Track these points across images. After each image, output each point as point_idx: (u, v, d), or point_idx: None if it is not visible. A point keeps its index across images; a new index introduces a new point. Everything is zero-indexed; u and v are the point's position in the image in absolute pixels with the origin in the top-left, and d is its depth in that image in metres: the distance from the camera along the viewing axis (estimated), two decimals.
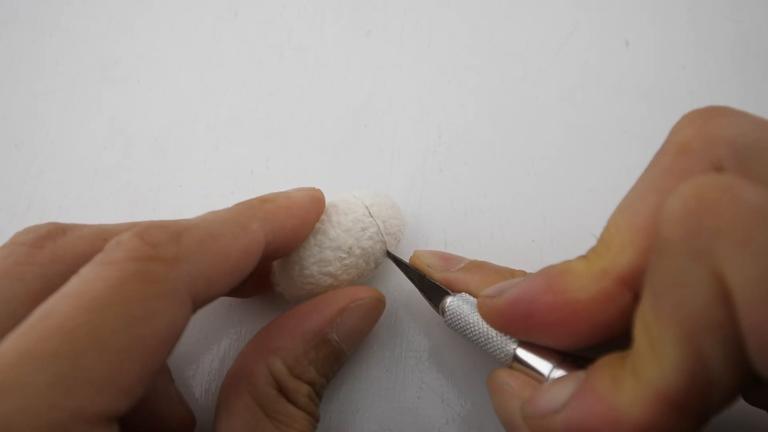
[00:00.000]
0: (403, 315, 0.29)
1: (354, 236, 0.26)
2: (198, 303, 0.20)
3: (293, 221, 0.24)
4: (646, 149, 0.21)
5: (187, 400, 0.26)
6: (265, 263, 0.24)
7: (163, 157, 0.34)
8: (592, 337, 0.20)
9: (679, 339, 0.15)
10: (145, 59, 0.38)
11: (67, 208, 0.33)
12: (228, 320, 0.29)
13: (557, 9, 0.37)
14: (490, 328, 0.23)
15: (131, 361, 0.17)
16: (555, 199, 0.32)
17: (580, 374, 0.19)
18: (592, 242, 0.21)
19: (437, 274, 0.26)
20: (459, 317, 0.24)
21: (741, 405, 0.21)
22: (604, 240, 0.20)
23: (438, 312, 0.26)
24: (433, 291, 0.26)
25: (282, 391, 0.24)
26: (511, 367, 0.23)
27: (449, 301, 0.25)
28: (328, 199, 0.27)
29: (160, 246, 0.19)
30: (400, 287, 0.30)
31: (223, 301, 0.30)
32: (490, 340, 0.23)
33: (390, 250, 0.28)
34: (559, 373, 0.21)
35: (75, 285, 0.17)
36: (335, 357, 0.26)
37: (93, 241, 0.22)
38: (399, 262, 0.27)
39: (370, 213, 0.27)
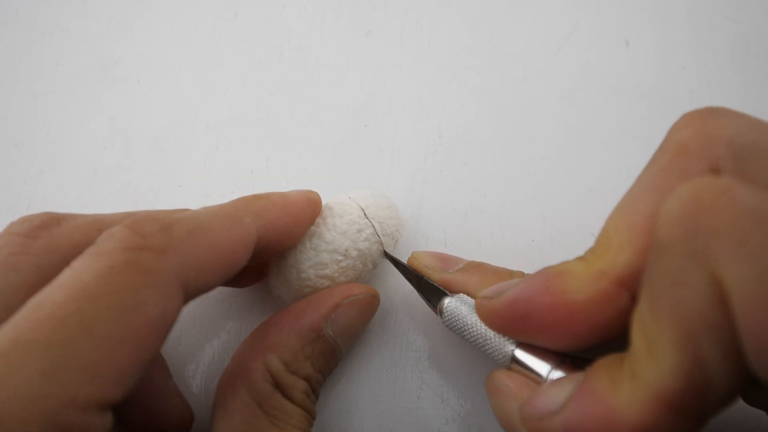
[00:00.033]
0: (402, 315, 0.29)
1: (350, 238, 0.26)
2: (190, 293, 0.20)
3: (286, 218, 0.24)
4: (646, 149, 0.21)
5: (185, 397, 0.26)
6: (259, 260, 0.25)
7: (163, 157, 0.34)
8: (590, 338, 0.20)
9: (677, 340, 0.15)
10: (145, 59, 0.38)
11: (67, 208, 0.33)
12: (227, 317, 0.30)
13: (557, 9, 0.37)
14: (488, 329, 0.23)
15: (123, 349, 0.17)
16: (555, 199, 0.32)
17: (579, 375, 0.19)
18: (592, 242, 0.20)
19: (435, 275, 0.26)
20: (457, 318, 0.24)
21: (740, 405, 0.21)
22: (601, 240, 0.20)
23: (436, 313, 0.26)
24: (431, 292, 0.26)
25: (278, 387, 0.24)
26: (509, 369, 0.23)
27: (447, 301, 0.25)
28: (323, 202, 0.27)
29: (149, 236, 0.19)
30: (399, 288, 0.30)
31: (222, 299, 0.30)
32: (488, 341, 0.23)
33: (387, 251, 0.28)
34: (557, 374, 0.21)
35: (67, 276, 0.18)
36: (331, 353, 0.26)
37: (88, 232, 0.22)
38: (397, 263, 0.27)
39: (365, 214, 0.27)
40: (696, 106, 0.20)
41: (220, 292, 0.30)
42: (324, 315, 0.25)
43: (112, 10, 0.39)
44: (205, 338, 0.29)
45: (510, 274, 0.25)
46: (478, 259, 0.27)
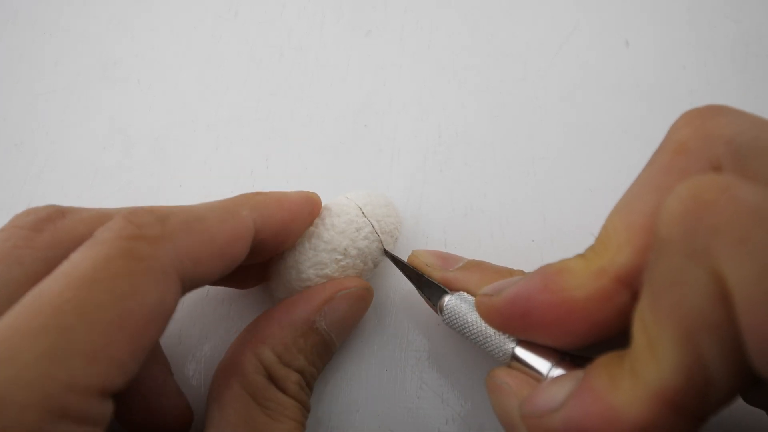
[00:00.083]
0: (402, 315, 0.29)
1: (349, 237, 0.26)
2: (188, 283, 0.20)
3: (283, 213, 0.24)
4: (646, 149, 0.21)
5: (185, 394, 0.26)
6: (259, 257, 0.25)
7: (163, 157, 0.34)
8: (590, 336, 0.20)
9: (678, 338, 0.15)
10: (145, 59, 0.38)
11: None
12: (227, 318, 0.30)
13: (557, 9, 0.37)
14: (488, 327, 0.23)
15: (120, 334, 0.17)
16: (555, 199, 0.32)
17: (579, 373, 0.19)
18: (592, 242, 0.21)
19: (435, 273, 0.26)
20: (457, 316, 0.24)
21: (740, 405, 0.21)
22: (602, 239, 0.20)
23: (436, 311, 0.26)
24: (431, 290, 0.26)
25: (272, 379, 0.24)
26: (509, 366, 0.23)
27: (447, 299, 0.25)
28: (322, 203, 0.27)
29: (145, 226, 0.19)
30: (399, 287, 0.30)
31: (222, 300, 0.30)
32: (489, 339, 0.23)
33: (387, 249, 0.28)
34: (557, 372, 0.21)
35: (65, 266, 0.18)
36: (324, 346, 0.26)
37: (91, 225, 0.22)
38: (396, 261, 0.27)
39: (363, 213, 0.27)
40: (696, 105, 0.20)
41: (220, 292, 0.30)
42: (316, 307, 0.25)
43: (112, 10, 0.39)
44: (205, 338, 0.29)
45: (510, 272, 0.25)
46: (478, 259, 0.27)
